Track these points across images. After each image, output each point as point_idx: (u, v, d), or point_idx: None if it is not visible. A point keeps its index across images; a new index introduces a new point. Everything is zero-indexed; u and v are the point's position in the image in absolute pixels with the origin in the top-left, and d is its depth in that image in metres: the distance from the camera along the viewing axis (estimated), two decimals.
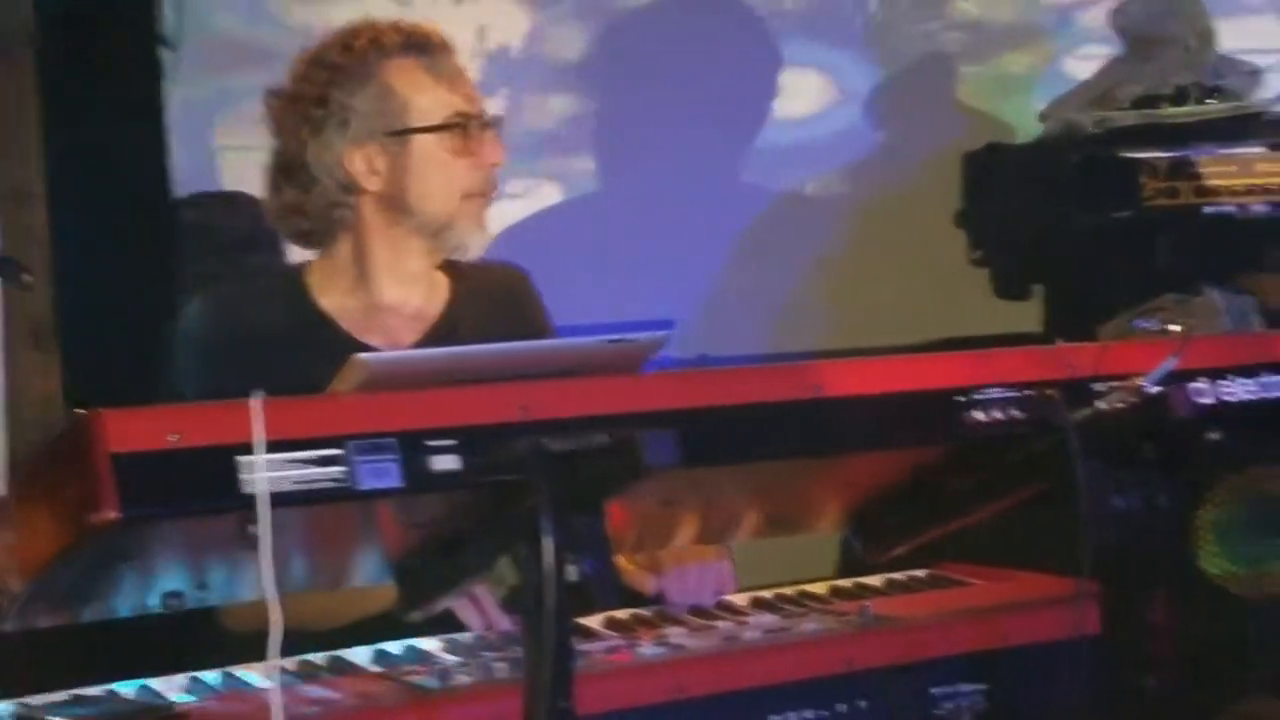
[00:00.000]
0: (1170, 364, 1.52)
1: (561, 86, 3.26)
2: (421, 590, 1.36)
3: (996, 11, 3.36)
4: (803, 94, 3.34)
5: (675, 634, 1.66)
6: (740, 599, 1.86)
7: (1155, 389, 1.52)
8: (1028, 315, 3.04)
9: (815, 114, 3.34)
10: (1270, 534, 2.83)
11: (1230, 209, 2.83)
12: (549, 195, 3.34)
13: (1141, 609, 1.62)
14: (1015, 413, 1.51)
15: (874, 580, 1.93)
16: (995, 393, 1.51)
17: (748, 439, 1.33)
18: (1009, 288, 3.01)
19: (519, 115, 3.22)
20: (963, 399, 1.49)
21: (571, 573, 1.22)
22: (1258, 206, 2.82)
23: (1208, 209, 2.82)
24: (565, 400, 1.26)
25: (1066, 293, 2.94)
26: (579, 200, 3.34)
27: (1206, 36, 2.90)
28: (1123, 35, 2.95)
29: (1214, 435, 1.65)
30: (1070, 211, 2.89)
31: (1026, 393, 1.52)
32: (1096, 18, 3.25)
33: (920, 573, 1.97)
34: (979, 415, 1.49)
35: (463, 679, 1.47)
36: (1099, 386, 1.54)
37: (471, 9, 3.15)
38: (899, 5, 3.32)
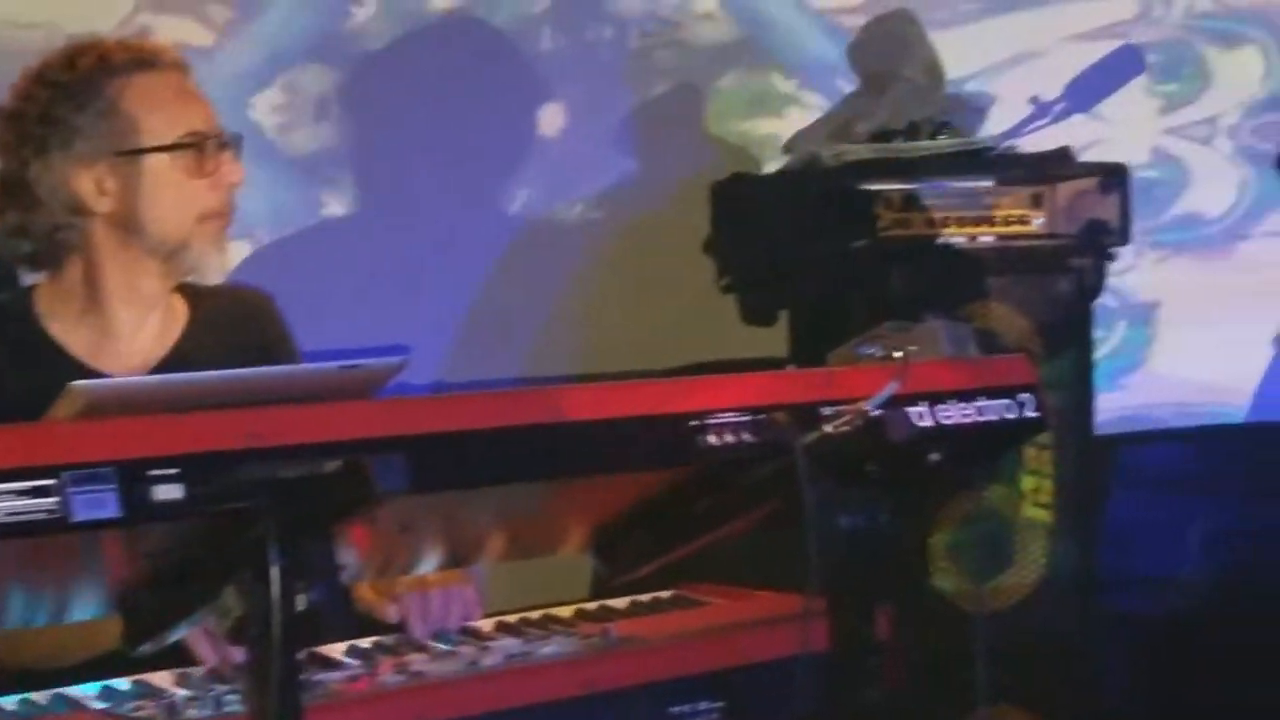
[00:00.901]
0: (892, 389, 1.58)
1: (314, 115, 3.20)
2: (148, 623, 1.31)
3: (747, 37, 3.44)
4: (557, 121, 3.36)
5: (416, 661, 1.66)
6: (485, 624, 1.87)
7: (877, 412, 1.58)
8: (775, 340, 3.11)
9: (568, 141, 3.36)
10: (997, 550, 2.96)
11: (960, 240, 2.94)
12: (302, 219, 3.28)
13: (868, 625, 1.68)
14: (748, 436, 1.55)
15: (619, 602, 1.95)
16: (729, 417, 1.54)
17: (480, 464, 1.33)
18: (755, 314, 3.07)
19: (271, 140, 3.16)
20: (697, 423, 1.52)
21: (300, 601, 1.19)
22: (985, 238, 2.94)
23: (939, 240, 2.93)
24: (295, 427, 1.24)
25: (809, 319, 3.01)
26: (331, 224, 3.29)
27: (936, 74, 3.03)
28: (859, 71, 3.05)
29: (935, 456, 1.72)
30: (811, 241, 2.97)
31: (758, 416, 1.56)
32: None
33: (664, 594, 2.00)
34: (713, 439, 1.53)
35: (192, 714, 1.43)
36: (826, 410, 1.59)
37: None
38: (652, 34, 3.36)
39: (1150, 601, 3.50)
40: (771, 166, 3.28)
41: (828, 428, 1.56)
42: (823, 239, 2.94)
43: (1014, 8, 3.56)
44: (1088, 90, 3.51)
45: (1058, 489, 2.96)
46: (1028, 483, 2.93)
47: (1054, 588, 2.98)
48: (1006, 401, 1.76)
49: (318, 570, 1.18)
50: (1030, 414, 1.77)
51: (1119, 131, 3.48)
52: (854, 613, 1.63)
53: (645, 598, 1.98)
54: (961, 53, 3.15)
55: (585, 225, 3.39)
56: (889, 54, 2.99)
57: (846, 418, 1.57)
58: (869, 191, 2.92)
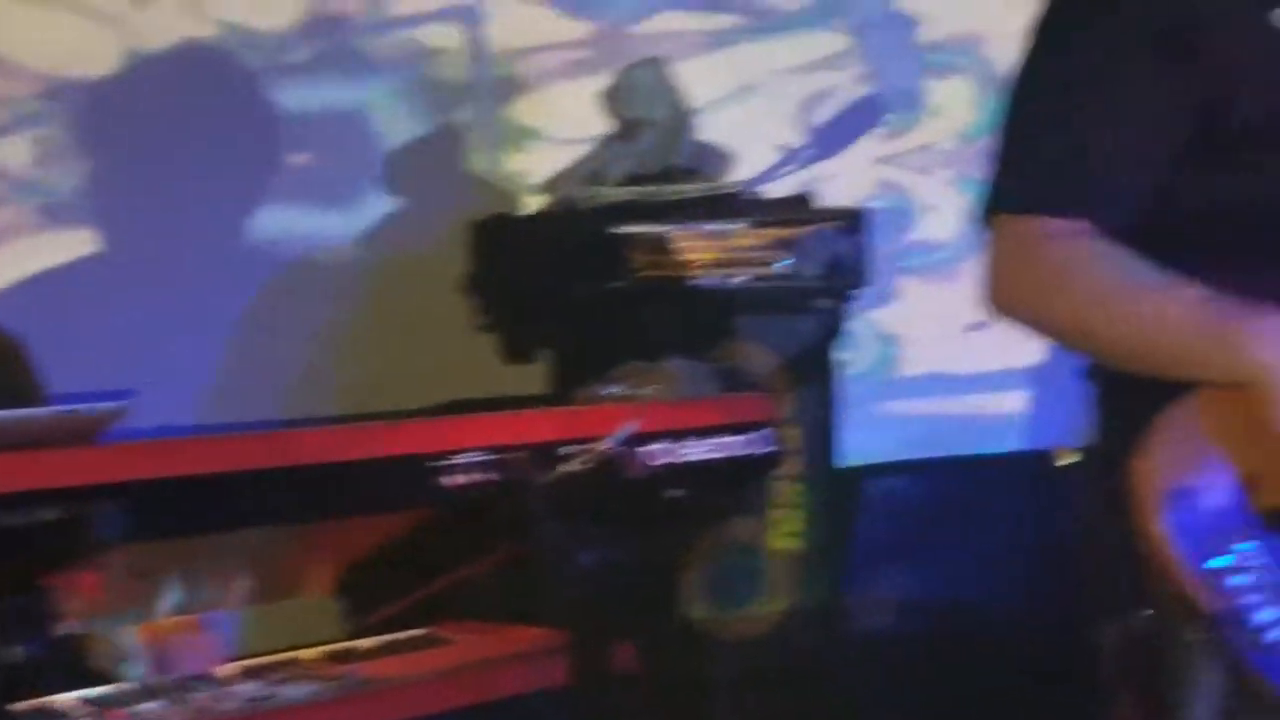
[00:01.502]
0: (629, 428, 1.61)
1: (62, 155, 3.10)
2: None
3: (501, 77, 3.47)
4: (313, 160, 3.32)
5: (149, 709, 1.60)
6: (229, 668, 1.82)
7: (616, 450, 1.60)
8: (535, 378, 3.12)
9: (326, 182, 3.32)
10: (749, 580, 3.02)
11: (711, 281, 3.00)
12: (52, 261, 3.17)
13: (607, 658, 1.70)
14: (487, 476, 1.55)
15: (368, 643, 1.93)
16: (469, 458, 1.54)
17: (206, 510, 1.30)
18: (514, 352, 3.08)
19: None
20: (436, 465, 1.51)
21: (15, 654, 1.15)
22: (735, 279, 3.01)
23: (691, 280, 2.98)
24: (11, 474, 1.19)
25: (567, 358, 3.04)
26: (82, 266, 3.19)
27: (686, 121, 3.10)
28: (613, 116, 3.10)
29: (676, 492, 1.75)
30: (568, 281, 2.99)
31: (498, 457, 1.57)
32: None
33: (415, 633, 1.98)
34: (453, 480, 1.53)
35: None
36: (566, 450, 1.61)
37: None
38: (404, 72, 3.36)
39: (898, 623, 3.60)
40: (530, 207, 3.29)
41: (567, 467, 1.58)
42: (579, 279, 2.97)
43: (734, 41, 3.63)
44: (832, 137, 3.63)
45: (806, 520, 3.02)
46: (776, 515, 2.99)
47: (803, 614, 3.04)
48: (744, 438, 1.81)
49: (31, 622, 1.14)
50: (767, 449, 1.83)
51: (843, 164, 3.59)
52: (593, 647, 1.64)
53: (396, 637, 1.96)
54: (684, 86, 3.21)
55: (344, 265, 3.35)
56: (640, 101, 3.04)
57: (585, 457, 1.59)
58: (623, 234, 2.95)
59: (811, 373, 3.03)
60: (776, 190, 3.27)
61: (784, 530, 3.03)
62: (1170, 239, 1.68)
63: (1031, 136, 1.72)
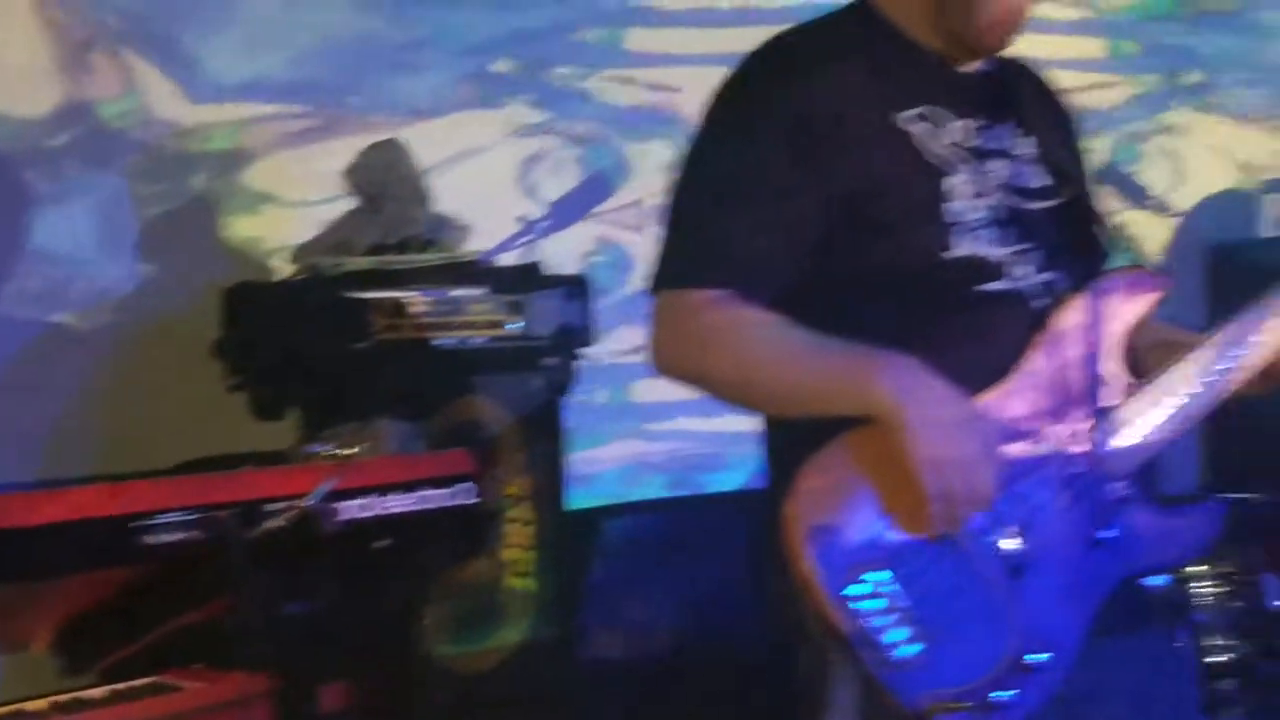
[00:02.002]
0: (328, 484, 1.60)
1: None
2: None
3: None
4: (64, 228, 3.23)
5: None
6: None
7: (316, 506, 1.59)
8: (285, 434, 3.06)
9: (72, 251, 3.23)
10: (485, 616, 3.02)
11: (449, 342, 3.01)
12: None
13: (314, 698, 1.68)
14: (192, 534, 1.53)
15: (96, 692, 1.88)
16: (172, 517, 1.52)
17: None
18: (264, 411, 3.03)
19: None
20: (139, 524, 1.48)
21: None
22: (471, 340, 3.03)
23: (430, 342, 2.99)
24: None
25: (316, 415, 3.00)
26: None
27: (423, 196, 3.11)
28: (356, 191, 3.09)
29: (383, 542, 1.75)
30: (314, 343, 2.97)
31: (203, 515, 1.54)
32: None
33: (143, 681, 1.92)
34: (156, 538, 1.50)
35: None
36: (272, 506, 1.60)
37: None
38: (155, 143, 3.31)
39: (632, 653, 3.63)
40: (278, 274, 3.27)
41: (270, 523, 1.56)
42: (324, 341, 2.95)
43: (460, 107, 3.70)
44: (568, 209, 3.69)
45: (538, 560, 3.04)
46: (509, 555, 3.01)
47: (538, 646, 3.05)
48: (447, 490, 1.82)
49: None
50: (469, 500, 1.84)
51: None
52: (299, 689, 1.63)
53: (123, 686, 1.90)
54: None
55: (99, 331, 3.25)
56: (381, 177, 3.05)
57: (288, 513, 1.58)
58: (366, 299, 2.95)
59: (542, 425, 3.07)
60: (509, 259, 3.32)
61: (517, 570, 3.04)
62: (816, 303, 1.77)
63: (687, 220, 1.83)
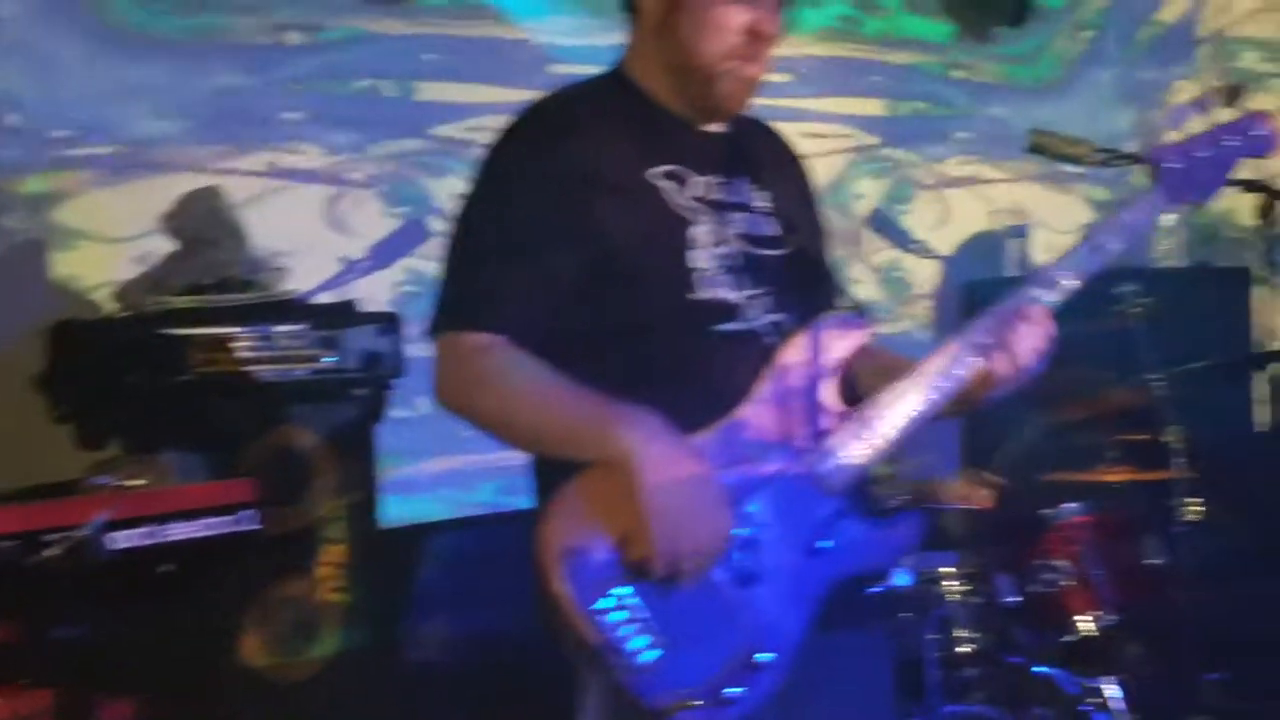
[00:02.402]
0: (105, 515, 1.59)
1: None
2: None
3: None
4: None
5: None
6: None
7: (91, 535, 1.58)
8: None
9: None
10: (302, 630, 3.00)
11: (268, 375, 2.99)
12: None
13: (92, 716, 1.66)
14: None
15: None
16: None
17: None
18: (87, 441, 2.97)
19: None
20: None
21: None
22: (288, 373, 3.01)
23: (250, 375, 2.96)
24: None
25: (138, 444, 2.94)
26: None
27: (240, 238, 3.09)
28: (175, 235, 3.06)
29: (167, 567, 1.74)
30: (136, 377, 2.92)
31: None
32: None
33: None
34: None
35: None
36: (51, 536, 1.58)
37: None
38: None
39: (454, 657, 3.62)
40: (101, 312, 3.22)
41: (47, 552, 1.54)
42: (144, 376, 2.90)
43: (253, 149, 3.64)
44: (386, 251, 3.70)
45: (351, 576, 3.04)
46: (323, 572, 3.00)
47: (354, 656, 3.05)
48: (230, 518, 1.82)
49: None
50: (250, 527, 1.84)
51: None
52: (77, 707, 1.61)
53: None
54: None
55: None
56: (201, 221, 3.02)
57: (66, 542, 1.56)
58: (185, 335, 2.92)
59: (354, 451, 3.07)
60: (325, 297, 3.31)
61: (331, 585, 3.03)
62: (579, 342, 1.82)
63: (459, 269, 1.86)
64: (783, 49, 1.90)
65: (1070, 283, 1.91)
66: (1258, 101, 4.58)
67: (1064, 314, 3.86)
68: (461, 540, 3.70)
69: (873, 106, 4.57)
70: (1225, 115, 2.00)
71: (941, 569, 3.18)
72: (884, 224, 3.80)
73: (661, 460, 1.68)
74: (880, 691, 2.04)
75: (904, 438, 1.85)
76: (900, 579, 2.98)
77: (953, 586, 3.15)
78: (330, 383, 3.06)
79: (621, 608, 1.72)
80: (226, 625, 2.34)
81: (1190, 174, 1.92)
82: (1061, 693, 3.11)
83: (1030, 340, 1.86)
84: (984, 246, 4.62)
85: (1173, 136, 2.00)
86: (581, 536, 1.73)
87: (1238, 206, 4.39)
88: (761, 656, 1.76)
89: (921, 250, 3.91)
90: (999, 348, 1.85)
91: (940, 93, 4.70)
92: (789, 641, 1.77)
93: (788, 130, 2.10)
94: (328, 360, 3.06)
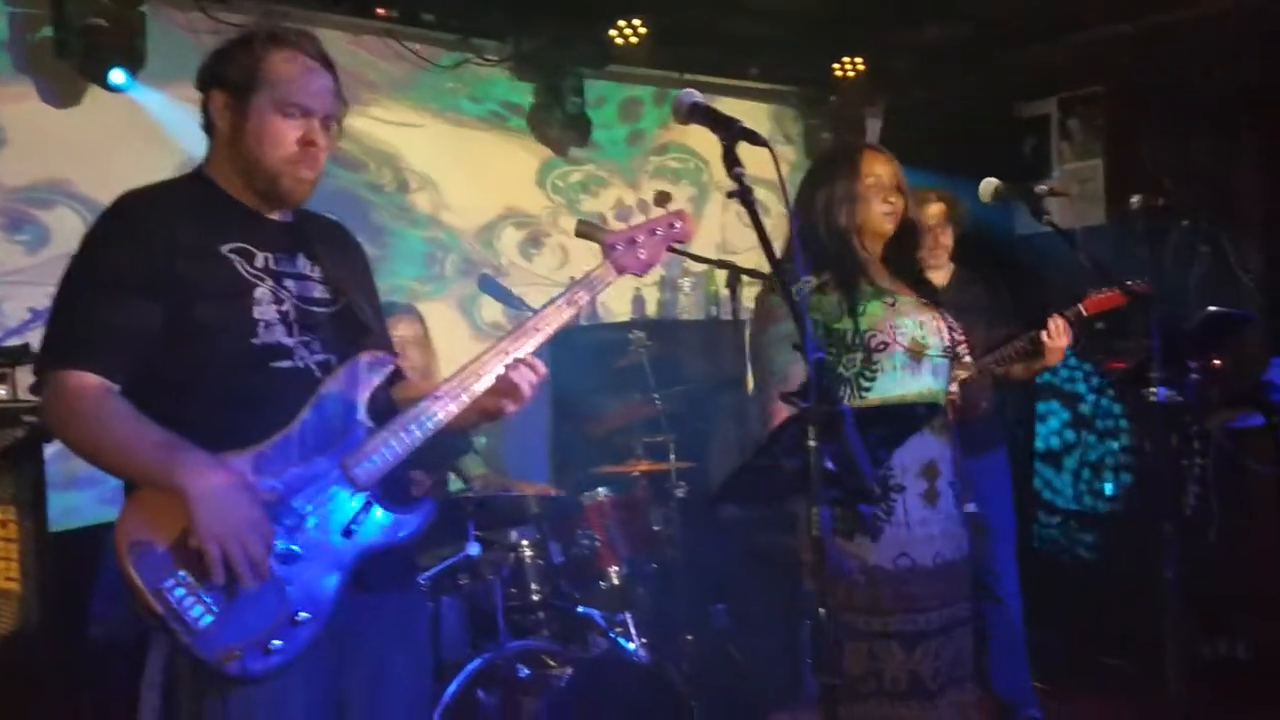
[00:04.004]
0: None
1: None
2: None
3: None
4: None
5: None
6: None
7: None
8: None
9: None
10: None
11: None
12: None
13: None
14: None
15: None
16: None
17: None
18: None
19: None
20: None
21: None
22: None
23: None
24: None
25: None
26: None
27: None
28: None
29: None
30: None
31: None
32: None
33: None
34: None
35: None
36: None
37: None
38: None
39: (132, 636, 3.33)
40: None
41: None
42: None
43: None
44: None
45: (22, 569, 2.77)
46: None
47: (27, 635, 2.78)
48: None
49: None
50: None
51: None
52: None
53: None
54: None
55: None
56: None
57: None
58: None
59: (24, 467, 2.81)
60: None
61: (5, 576, 2.75)
62: (165, 376, 1.79)
63: (59, 316, 1.80)
64: None
65: (548, 330, 1.98)
66: (679, 198, 4.85)
67: (599, 351, 4.02)
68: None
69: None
70: (657, 212, 2.14)
71: (513, 538, 3.26)
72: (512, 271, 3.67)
73: (207, 490, 1.68)
74: (419, 634, 2.06)
75: (425, 444, 1.89)
76: (472, 549, 3.01)
77: (525, 553, 3.23)
78: (5, 412, 2.80)
79: (180, 586, 1.69)
80: None
81: (631, 253, 2.06)
82: (598, 626, 3.24)
83: (528, 378, 1.92)
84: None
85: (619, 226, 2.13)
86: (146, 533, 1.71)
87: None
88: (302, 615, 1.75)
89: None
90: (505, 378, 1.90)
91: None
92: (325, 604, 1.77)
93: None
94: (2, 393, 2.80)
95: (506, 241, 4.58)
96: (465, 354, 1.95)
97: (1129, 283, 2.50)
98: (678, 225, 2.10)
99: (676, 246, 2.15)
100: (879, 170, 2.40)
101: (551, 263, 4.64)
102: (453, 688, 2.81)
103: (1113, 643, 4.29)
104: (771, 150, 1.77)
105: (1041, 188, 2.65)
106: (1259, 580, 4.09)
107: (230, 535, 1.67)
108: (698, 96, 1.87)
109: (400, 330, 3.42)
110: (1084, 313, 2.63)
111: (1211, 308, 2.61)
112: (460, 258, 4.46)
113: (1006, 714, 3.64)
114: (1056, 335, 2.41)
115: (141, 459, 1.71)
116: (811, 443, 1.70)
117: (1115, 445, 4.61)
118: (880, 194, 2.39)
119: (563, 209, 4.68)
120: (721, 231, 5.00)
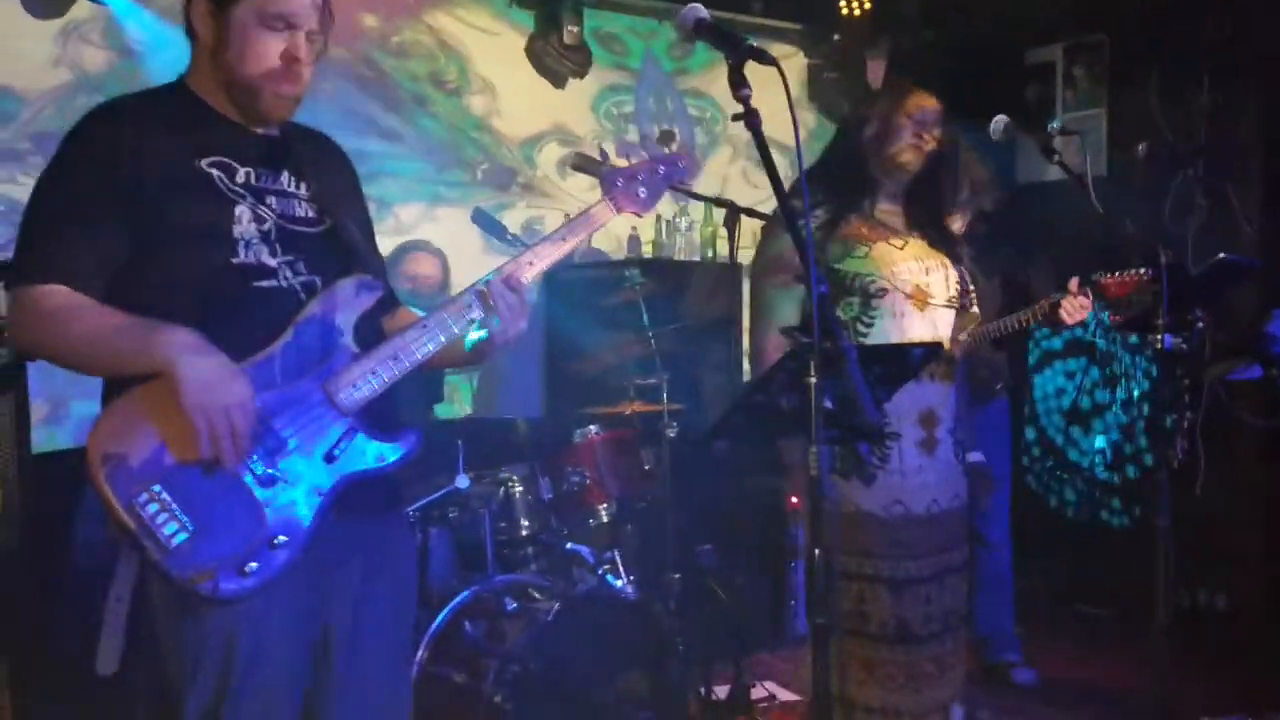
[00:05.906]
0: None
1: None
2: None
3: None
4: None
5: None
6: None
7: None
8: None
9: None
10: None
11: None
12: None
13: None
14: None
15: None
16: None
17: None
18: None
19: None
20: None
21: None
22: None
23: None
24: None
25: None
26: None
27: None
28: None
29: None
30: None
31: None
32: None
33: None
34: None
35: None
36: None
37: None
38: None
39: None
40: None
41: None
42: None
43: None
44: None
45: (3, 491, 2.69)
46: None
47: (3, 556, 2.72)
48: None
49: None
50: None
51: None
52: None
53: None
54: None
55: None
56: None
57: None
58: None
59: (8, 391, 2.71)
60: None
61: None
62: (143, 294, 1.71)
63: (28, 232, 1.72)
64: None
65: (541, 264, 1.89)
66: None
67: (593, 289, 3.94)
68: None
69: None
70: (660, 150, 2.03)
71: (503, 474, 3.20)
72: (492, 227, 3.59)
73: (197, 362, 1.61)
74: (402, 563, 2.00)
75: (407, 374, 1.81)
76: (461, 481, 2.95)
77: (514, 487, 3.17)
78: None
79: (154, 501, 1.61)
80: None
81: (631, 191, 1.96)
82: (587, 561, 3.20)
83: (515, 303, 1.84)
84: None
85: (621, 163, 2.01)
86: (120, 444, 1.65)
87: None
88: (280, 539, 1.68)
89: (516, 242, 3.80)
90: (493, 310, 1.82)
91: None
92: (303, 529, 1.71)
93: None
94: None
95: (547, 156, 4.57)
96: (475, 266, 1.86)
97: (1142, 269, 2.29)
98: (680, 164, 2.00)
99: (678, 186, 2.05)
100: (924, 105, 2.43)
101: (584, 183, 4.51)
102: (440, 619, 2.78)
103: (1096, 592, 4.29)
104: (780, 69, 1.67)
105: (1053, 125, 2.56)
106: (1240, 533, 4.08)
107: (218, 410, 1.60)
108: (703, 12, 1.77)
109: (419, 268, 3.31)
110: (1105, 295, 2.46)
111: (1221, 255, 2.52)
112: (494, 167, 4.44)
113: (987, 657, 3.63)
114: (1073, 313, 2.28)
115: (120, 341, 1.64)
116: (812, 379, 1.63)
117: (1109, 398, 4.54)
118: (914, 128, 2.41)
119: (609, 136, 4.67)
120: (723, 184, 4.90)
